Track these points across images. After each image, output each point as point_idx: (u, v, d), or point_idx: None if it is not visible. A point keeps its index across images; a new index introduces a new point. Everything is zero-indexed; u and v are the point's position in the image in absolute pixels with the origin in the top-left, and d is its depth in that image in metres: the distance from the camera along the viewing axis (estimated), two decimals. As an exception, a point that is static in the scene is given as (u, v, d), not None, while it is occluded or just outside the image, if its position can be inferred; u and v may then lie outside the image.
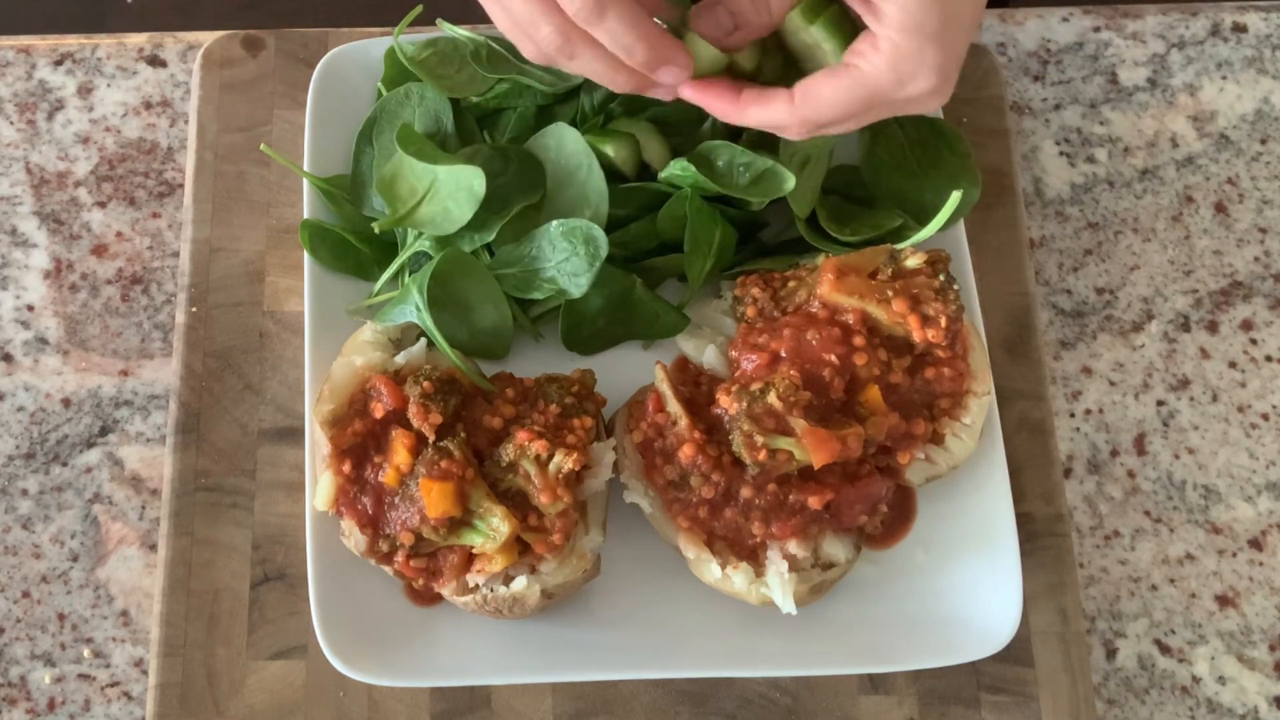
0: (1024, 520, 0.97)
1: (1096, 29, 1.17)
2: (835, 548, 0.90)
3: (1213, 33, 1.17)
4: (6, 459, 1.01)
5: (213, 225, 1.05)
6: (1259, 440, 1.04)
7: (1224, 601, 1.00)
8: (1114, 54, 1.16)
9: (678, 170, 0.95)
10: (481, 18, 0.90)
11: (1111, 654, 0.98)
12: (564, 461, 0.85)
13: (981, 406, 0.93)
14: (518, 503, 0.86)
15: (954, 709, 0.94)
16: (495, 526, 0.85)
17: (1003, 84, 1.11)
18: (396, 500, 0.86)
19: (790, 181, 0.94)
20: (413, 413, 0.87)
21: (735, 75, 0.89)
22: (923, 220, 0.96)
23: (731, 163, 0.96)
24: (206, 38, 1.11)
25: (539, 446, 0.85)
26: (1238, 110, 1.14)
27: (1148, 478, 1.03)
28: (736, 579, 0.88)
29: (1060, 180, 1.12)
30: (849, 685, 0.94)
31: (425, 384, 0.88)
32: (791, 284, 0.95)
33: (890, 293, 0.91)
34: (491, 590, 0.87)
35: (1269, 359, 1.07)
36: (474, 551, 0.87)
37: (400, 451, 0.86)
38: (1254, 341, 1.07)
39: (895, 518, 0.95)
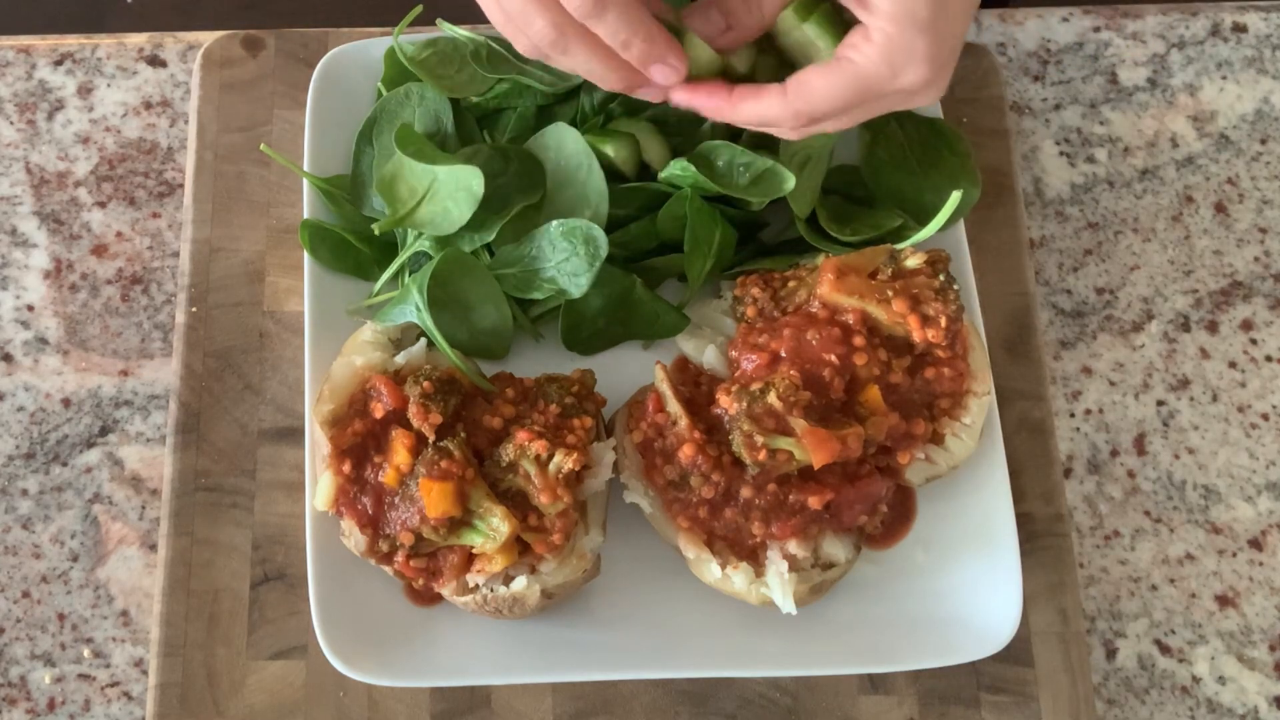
0: (1024, 520, 0.97)
1: (1096, 29, 1.17)
2: (835, 548, 0.90)
3: (1213, 33, 1.17)
4: (6, 459, 1.01)
5: (213, 225, 1.05)
6: (1259, 440, 1.04)
7: (1224, 601, 1.00)
8: (1114, 54, 1.16)
9: (678, 170, 0.95)
10: (481, 18, 0.90)
11: (1111, 654, 0.98)
12: (564, 461, 0.85)
13: (981, 406, 0.93)
14: (518, 503, 0.86)
15: (954, 709, 0.94)
16: (495, 526, 0.85)
17: (1003, 84, 1.11)
18: (396, 500, 0.86)
19: (790, 181, 0.94)
20: (413, 413, 0.87)
21: (729, 79, 0.89)
22: (923, 220, 0.96)
23: (731, 163, 0.96)
24: (206, 38, 1.11)
25: (539, 446, 0.85)
26: (1238, 110, 1.14)
27: (1148, 478, 1.03)
28: (736, 579, 0.88)
29: (1060, 180, 1.12)
30: (849, 685, 0.94)
31: (425, 384, 0.88)
32: (791, 284, 0.95)
33: (890, 293, 0.91)
34: (491, 590, 0.87)
35: (1269, 359, 1.07)
36: (474, 551, 0.87)
37: (400, 451, 0.86)
38: (1254, 341, 1.07)
39: (895, 518, 0.95)
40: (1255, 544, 1.01)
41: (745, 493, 0.87)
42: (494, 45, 1.01)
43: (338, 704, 0.93)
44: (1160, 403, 1.05)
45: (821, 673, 0.93)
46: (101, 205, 1.08)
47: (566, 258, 0.94)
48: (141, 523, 1.00)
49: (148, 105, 1.11)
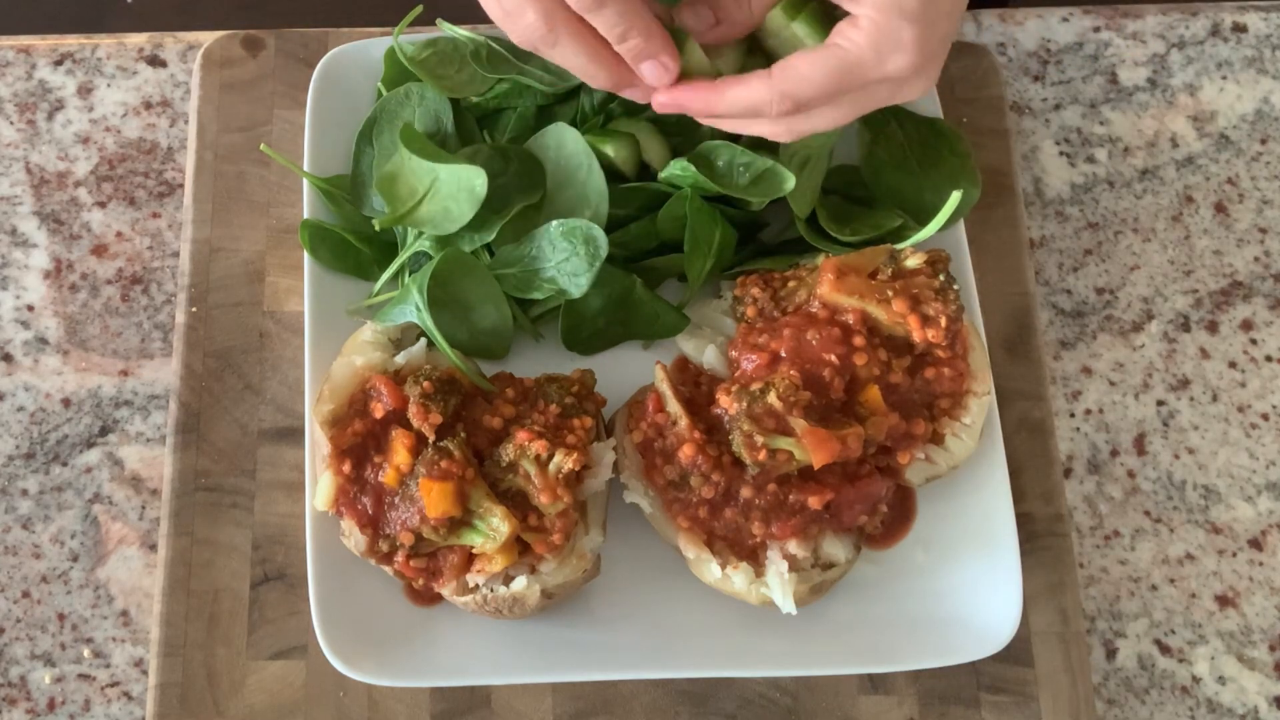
0: (1024, 520, 0.97)
1: (1096, 29, 1.17)
2: (835, 548, 0.90)
3: (1213, 33, 1.17)
4: (6, 459, 1.01)
5: (213, 225, 1.05)
6: (1259, 440, 1.04)
7: (1224, 601, 1.00)
8: (1114, 54, 1.16)
9: (678, 170, 0.95)
10: (481, 18, 0.90)
11: (1111, 654, 0.98)
12: (564, 461, 0.85)
13: (981, 406, 0.93)
14: (518, 503, 0.86)
15: (954, 709, 0.94)
16: (495, 526, 0.85)
17: (1003, 84, 1.11)
18: (396, 500, 0.86)
19: (790, 181, 0.94)
20: (413, 413, 0.87)
21: None
22: (923, 220, 0.96)
23: (731, 163, 0.96)
24: (206, 38, 1.11)
25: (539, 446, 0.85)
26: (1238, 110, 1.14)
27: (1148, 478, 1.03)
28: (736, 579, 0.88)
29: (1060, 180, 1.12)
30: (849, 685, 0.94)
31: (425, 384, 0.88)
32: (791, 284, 0.95)
33: (890, 293, 0.91)
34: (491, 590, 0.87)
35: (1269, 359, 1.07)
36: (474, 551, 0.87)
37: (400, 451, 0.86)
38: (1254, 341, 1.07)
39: (895, 518, 0.95)
40: (1255, 544, 1.01)
41: (745, 493, 0.87)
42: (494, 45, 1.01)
43: (338, 704, 0.93)
44: (1160, 403, 1.05)
45: (821, 673, 0.93)
46: (101, 205, 1.08)
47: (566, 258, 0.94)
48: (141, 523, 1.00)
49: (148, 105, 1.11)
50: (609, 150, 0.97)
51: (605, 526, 0.91)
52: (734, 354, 0.92)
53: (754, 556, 0.89)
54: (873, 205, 1.03)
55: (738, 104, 0.85)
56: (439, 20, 1.03)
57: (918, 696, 0.94)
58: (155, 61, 1.13)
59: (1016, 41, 1.16)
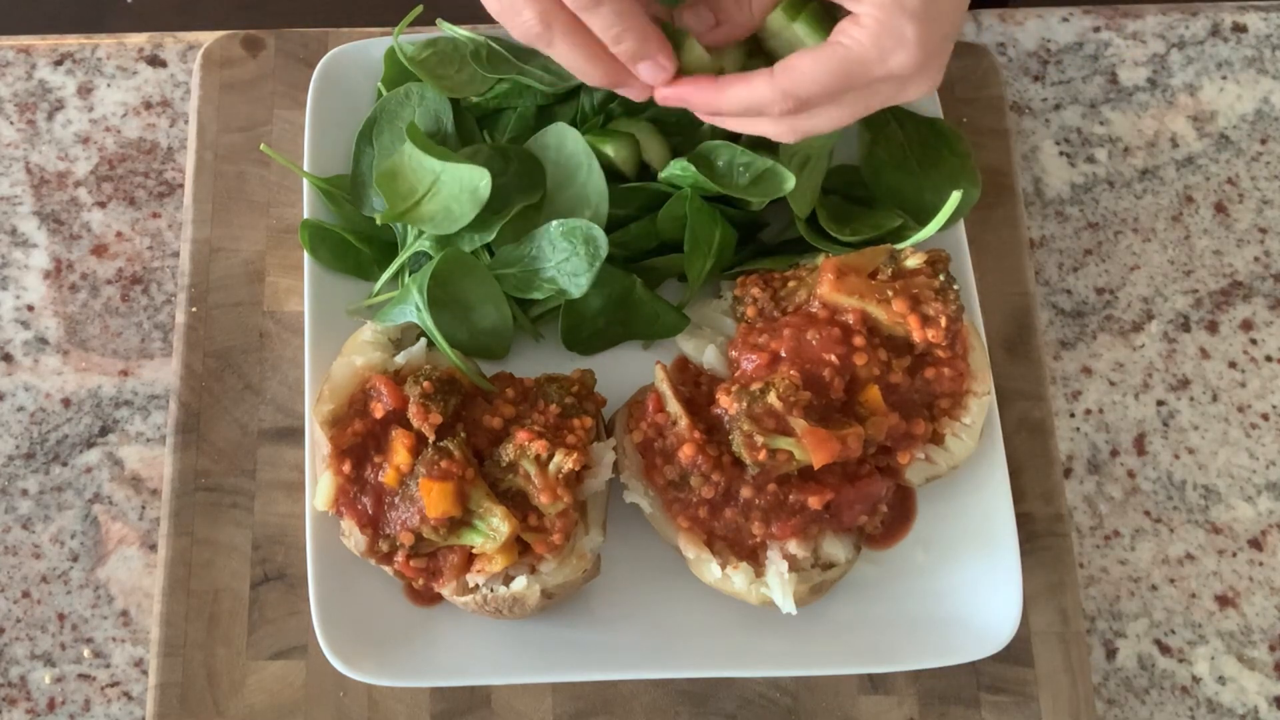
0: (1024, 520, 0.97)
1: (1096, 29, 1.17)
2: (835, 548, 0.90)
3: (1213, 33, 1.17)
4: (6, 459, 1.01)
5: (213, 225, 1.05)
6: (1259, 440, 1.04)
7: (1224, 601, 1.00)
8: (1114, 54, 1.16)
9: (678, 170, 0.95)
10: (481, 18, 0.90)
11: (1111, 654, 0.98)
12: (564, 461, 0.85)
13: (981, 406, 0.93)
14: (518, 503, 0.86)
15: (954, 709, 0.94)
16: (495, 526, 0.85)
17: (1003, 84, 1.11)
18: (396, 500, 0.86)
19: (790, 181, 0.94)
20: (413, 413, 0.87)
21: None
22: (923, 220, 0.96)
23: (731, 163, 0.96)
24: (206, 38, 1.11)
25: (539, 446, 0.85)
26: (1238, 110, 1.14)
27: (1148, 478, 1.03)
28: (736, 579, 0.88)
29: (1060, 180, 1.12)
30: (849, 685, 0.94)
31: (425, 384, 0.88)
32: (791, 284, 0.95)
33: (890, 293, 0.91)
34: (491, 590, 0.87)
35: (1269, 359, 1.07)
36: (474, 551, 0.87)
37: (400, 451, 0.86)
38: (1254, 341, 1.07)
39: (895, 518, 0.95)
40: (1255, 544, 1.01)
41: (745, 493, 0.87)
42: (494, 45, 1.01)
43: (338, 704, 0.93)
44: (1160, 403, 1.05)
45: (821, 673, 0.93)
46: (101, 205, 1.08)
47: (566, 258, 0.94)
48: (141, 523, 1.00)
49: (148, 105, 1.11)
50: (609, 150, 0.97)
51: (605, 526, 0.91)
52: (734, 354, 0.92)
53: (754, 556, 0.89)
54: (873, 205, 1.03)
55: (740, 102, 0.85)
56: (439, 20, 1.03)
57: (918, 696, 0.94)
58: (155, 61, 1.13)
59: (1016, 41, 1.16)
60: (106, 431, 1.02)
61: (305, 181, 1.00)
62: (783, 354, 0.89)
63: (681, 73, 0.87)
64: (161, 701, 0.93)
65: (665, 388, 0.90)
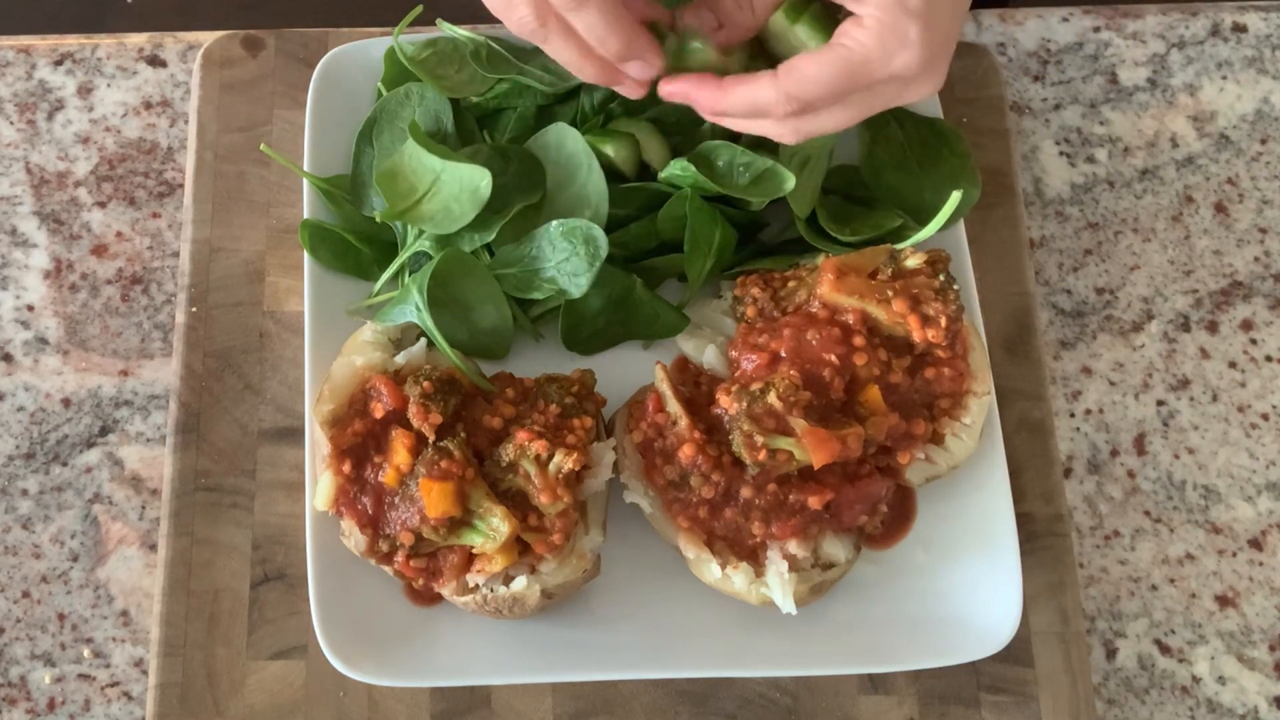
0: (1024, 520, 0.97)
1: (1096, 29, 1.17)
2: (835, 548, 0.90)
3: (1213, 33, 1.17)
4: (6, 459, 1.01)
5: (213, 225, 1.05)
6: (1259, 440, 1.04)
7: (1224, 601, 1.00)
8: (1114, 54, 1.16)
9: (678, 170, 0.95)
10: (481, 17, 0.90)
11: (1111, 654, 0.98)
12: (564, 461, 0.85)
13: (981, 406, 0.93)
14: (518, 503, 0.86)
15: (954, 709, 0.94)
16: (495, 526, 0.85)
17: (1003, 84, 1.11)
18: (396, 500, 0.86)
19: (790, 181, 0.94)
20: (413, 413, 0.87)
21: None
22: (923, 220, 0.96)
23: (731, 163, 0.96)
24: (206, 38, 1.11)
25: (539, 446, 0.85)
26: (1238, 110, 1.14)
27: (1148, 478, 1.03)
28: (736, 579, 0.88)
29: (1060, 180, 1.12)
30: (849, 685, 0.94)
31: (425, 384, 0.88)
32: (791, 284, 0.95)
33: (890, 293, 0.91)
34: (491, 590, 0.87)
35: (1269, 359, 1.07)
36: (474, 551, 0.87)
37: (400, 451, 0.86)
38: (1254, 341, 1.07)
39: (895, 518, 0.95)
40: (1255, 544, 1.01)
41: (745, 493, 0.87)
42: (494, 45, 1.01)
43: (338, 704, 0.93)
44: (1160, 403, 1.05)
45: (821, 673, 0.93)
46: (101, 205, 1.08)
47: (566, 258, 0.94)
48: (141, 523, 1.00)
49: (148, 105, 1.11)
50: (609, 150, 0.97)
51: (605, 526, 0.91)
52: (734, 354, 0.92)
53: (754, 556, 0.89)
54: (873, 205, 1.03)
55: (743, 102, 0.85)
56: (439, 20, 1.03)
57: (918, 696, 0.94)
58: (155, 61, 1.13)
59: (1016, 41, 1.16)
60: (106, 431, 1.02)
61: (305, 181, 1.00)
62: (783, 354, 0.89)
63: (689, 72, 0.87)
64: (161, 701, 0.93)
65: (665, 388, 0.90)
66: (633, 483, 0.90)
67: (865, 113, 0.86)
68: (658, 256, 0.99)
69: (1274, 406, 1.05)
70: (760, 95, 0.84)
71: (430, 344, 0.93)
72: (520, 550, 0.86)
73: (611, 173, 0.97)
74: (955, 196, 0.93)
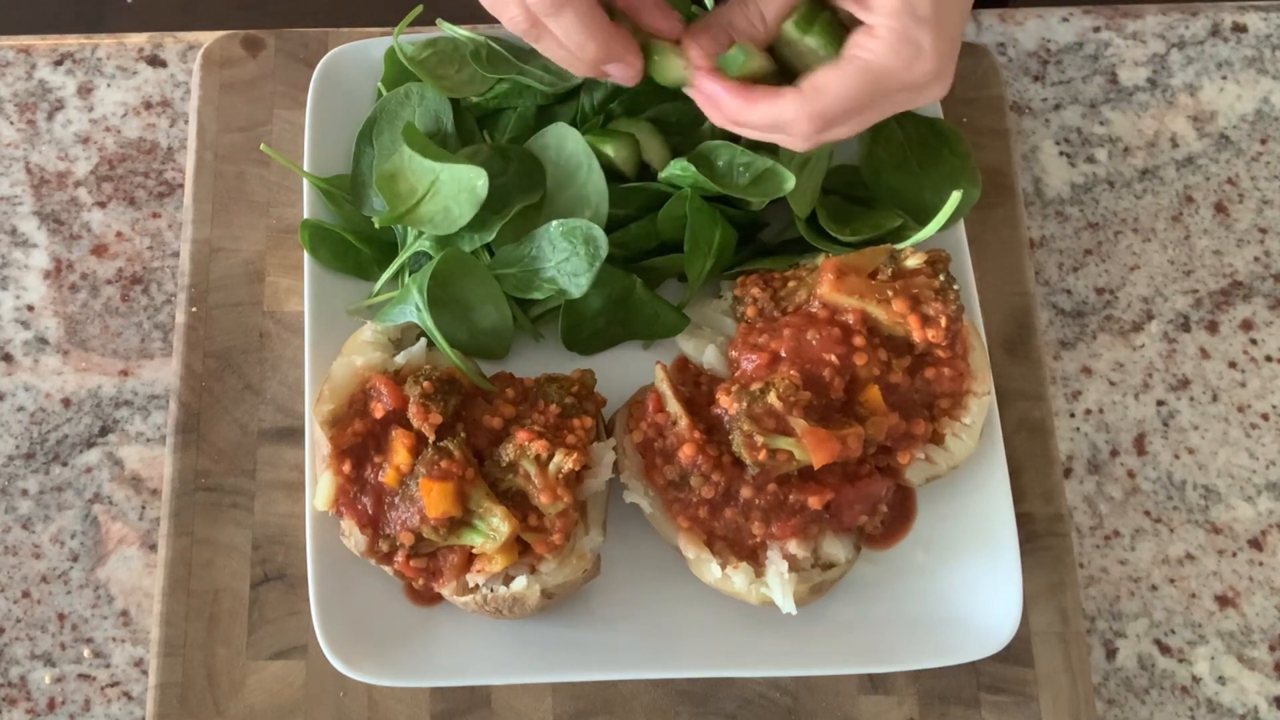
0: (1024, 520, 0.97)
1: (1096, 29, 1.17)
2: (835, 548, 0.90)
3: (1213, 33, 1.17)
4: (6, 459, 1.01)
5: (213, 225, 1.05)
6: (1259, 440, 1.04)
7: (1224, 601, 1.00)
8: (1114, 54, 1.16)
9: (678, 170, 0.95)
10: (481, 18, 0.90)
11: (1111, 654, 0.98)
12: (564, 461, 0.85)
13: (981, 406, 0.93)
14: (518, 503, 0.86)
15: (954, 709, 0.94)
16: (495, 526, 0.85)
17: (1003, 84, 1.11)
18: (396, 500, 0.86)
19: (790, 181, 0.94)
20: (413, 413, 0.87)
21: None
22: (923, 220, 0.96)
23: (731, 163, 0.96)
24: (206, 38, 1.11)
25: (539, 446, 0.85)
26: (1238, 110, 1.14)
27: (1148, 478, 1.03)
28: (736, 579, 0.88)
29: (1060, 180, 1.12)
30: (849, 685, 0.94)
31: (425, 384, 0.88)
32: (791, 284, 0.95)
33: (890, 293, 0.91)
34: (491, 590, 0.87)
35: (1269, 359, 1.07)
36: (474, 551, 0.87)
37: (400, 451, 0.86)
38: (1254, 341, 1.07)
39: (895, 518, 0.95)
40: (1255, 544, 1.01)
41: (745, 493, 0.87)
42: (494, 45, 1.01)
43: (338, 704, 0.93)
44: (1160, 403, 1.05)
45: (821, 673, 0.93)
46: (101, 205, 1.08)
47: (566, 258, 0.94)
48: (141, 523, 1.00)
49: (148, 105, 1.11)
50: (609, 150, 0.97)
51: (605, 526, 0.91)
52: (734, 354, 0.92)
53: (754, 556, 0.89)
54: (873, 205, 1.03)
55: (766, 119, 0.86)
56: (439, 20, 1.03)
57: (918, 696, 0.94)
58: (155, 61, 1.13)
59: (1016, 41, 1.16)
60: (106, 431, 1.02)
61: (305, 181, 1.00)
62: (783, 354, 0.89)
63: (738, 76, 0.87)
64: (161, 701, 0.93)
65: (665, 388, 0.90)
66: (633, 483, 0.90)
67: (879, 119, 0.87)
68: (658, 256, 0.99)
69: (1274, 406, 1.05)
70: (784, 114, 0.85)
71: (430, 344, 0.93)
72: (520, 550, 0.86)
73: (611, 173, 0.97)
74: (955, 196, 0.93)
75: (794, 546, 0.88)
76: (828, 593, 0.91)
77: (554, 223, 0.94)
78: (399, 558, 0.87)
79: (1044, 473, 1.00)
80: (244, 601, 0.95)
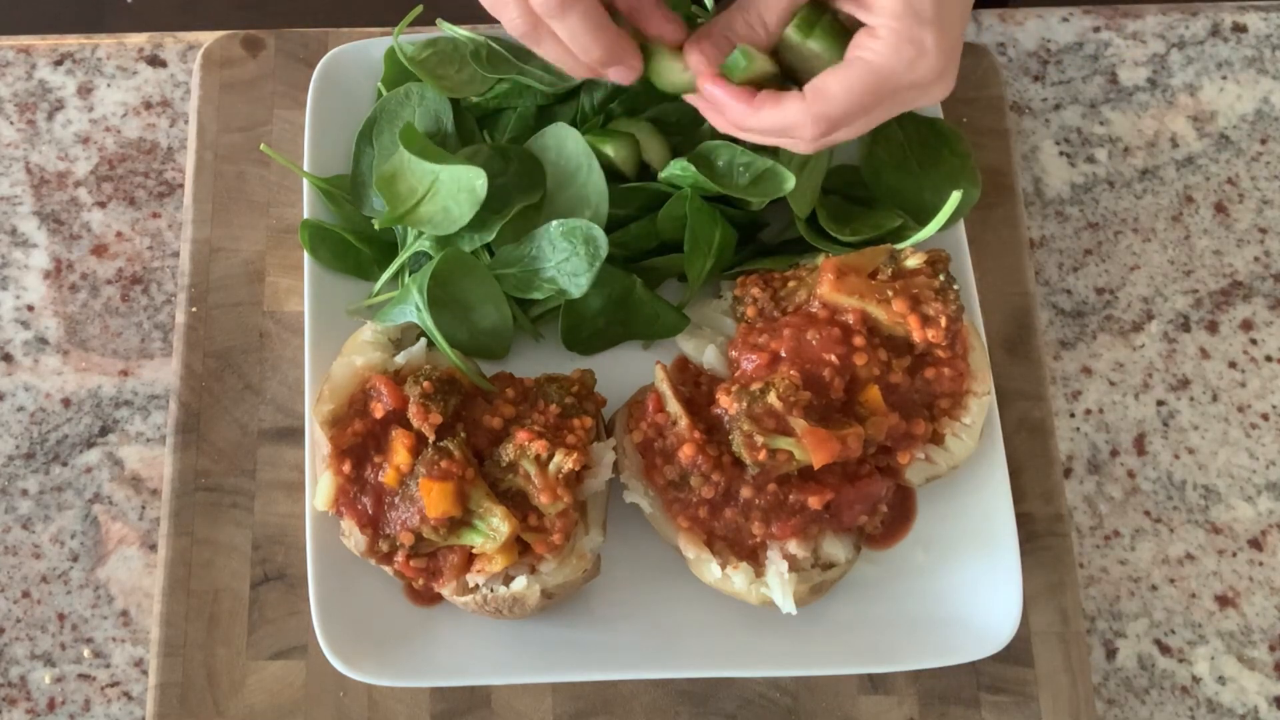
0: (1024, 520, 0.97)
1: (1096, 29, 1.17)
2: (835, 548, 0.90)
3: (1213, 33, 1.17)
4: (6, 459, 1.01)
5: (213, 225, 1.05)
6: (1259, 440, 1.04)
7: (1224, 601, 1.00)
8: (1114, 54, 1.16)
9: (678, 170, 0.95)
10: (481, 18, 0.90)
11: (1111, 654, 0.98)
12: (564, 461, 0.85)
13: (981, 406, 0.93)
14: (518, 503, 0.86)
15: (954, 709, 0.94)
16: (495, 526, 0.85)
17: (1003, 84, 1.11)
18: (396, 500, 0.86)
19: (790, 181, 0.94)
20: (413, 413, 0.87)
21: None
22: (923, 220, 0.96)
23: (731, 163, 0.96)
24: (206, 38, 1.11)
25: (539, 446, 0.85)
26: (1238, 110, 1.14)
27: (1148, 478, 1.03)
28: (736, 579, 0.88)
29: (1060, 180, 1.12)
30: (849, 685, 0.94)
31: (425, 384, 0.88)
32: (791, 284, 0.95)
33: (890, 293, 0.91)
34: (491, 590, 0.87)
35: (1269, 359, 1.07)
36: (474, 551, 0.87)
37: (400, 451, 0.86)
38: (1254, 341, 1.07)
39: (895, 518, 0.95)
40: (1255, 544, 1.01)
41: (745, 493, 0.87)
42: (494, 45, 1.01)
43: (338, 704, 0.93)
44: (1160, 403, 1.05)
45: (821, 673, 0.93)
46: (101, 205, 1.08)
47: (566, 258, 0.94)
48: (141, 523, 1.00)
49: (148, 105, 1.11)
50: (609, 150, 0.97)
51: (605, 526, 0.91)
52: (734, 354, 0.92)
53: (754, 556, 0.89)
54: (873, 205, 1.03)
55: (771, 124, 0.86)
56: (439, 20, 1.03)
57: (918, 696, 0.94)
58: (155, 61, 1.13)
59: (1016, 41, 1.16)
60: (106, 431, 1.02)
61: (305, 181, 1.00)
62: (783, 354, 0.89)
63: (742, 79, 0.87)
64: (161, 701, 0.93)
65: (665, 388, 0.90)
66: (633, 483, 0.90)
67: (883, 120, 0.87)
68: (658, 256, 0.99)
69: (1274, 406, 1.05)
70: (789, 118, 0.85)
71: (430, 344, 0.93)
72: (520, 550, 0.86)
73: (611, 173, 0.97)
74: (955, 196, 0.93)
75: (794, 546, 0.88)
76: (828, 593, 0.91)
77: (554, 223, 0.94)
78: (399, 558, 0.87)
79: (1044, 473, 1.00)
80: (244, 601, 0.95)
